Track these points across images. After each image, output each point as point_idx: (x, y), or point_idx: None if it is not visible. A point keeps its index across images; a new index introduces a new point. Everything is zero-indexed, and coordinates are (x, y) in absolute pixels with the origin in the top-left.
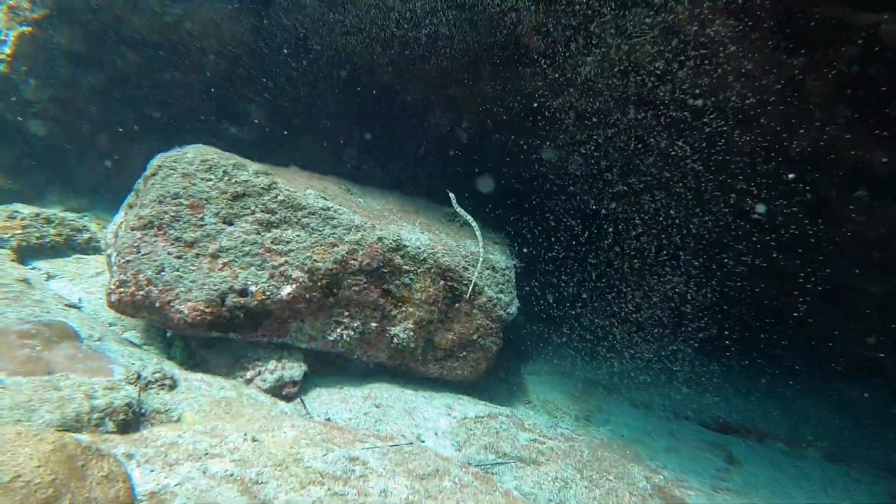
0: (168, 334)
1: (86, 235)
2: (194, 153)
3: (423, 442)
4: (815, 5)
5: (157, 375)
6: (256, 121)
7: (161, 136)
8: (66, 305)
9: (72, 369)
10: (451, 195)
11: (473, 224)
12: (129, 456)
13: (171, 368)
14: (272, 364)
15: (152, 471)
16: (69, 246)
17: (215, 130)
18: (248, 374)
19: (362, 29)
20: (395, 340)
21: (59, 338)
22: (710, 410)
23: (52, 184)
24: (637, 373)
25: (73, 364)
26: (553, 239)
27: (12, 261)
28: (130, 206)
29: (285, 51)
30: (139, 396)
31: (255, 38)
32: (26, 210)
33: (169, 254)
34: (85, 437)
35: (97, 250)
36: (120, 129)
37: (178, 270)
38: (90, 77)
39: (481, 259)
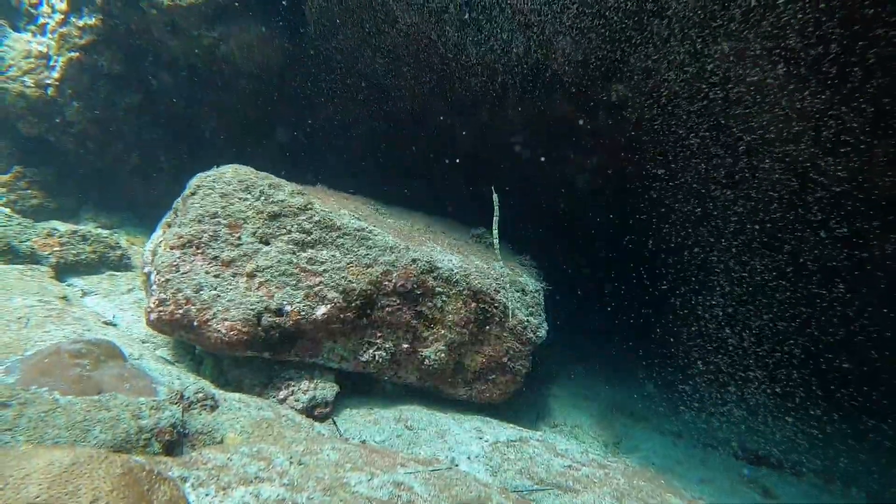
0: (197, 350)
1: (118, 252)
2: (232, 173)
3: (458, 466)
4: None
5: (199, 395)
6: (284, 139)
7: (190, 154)
8: (104, 323)
9: (120, 388)
10: (496, 197)
11: (496, 217)
12: (184, 479)
13: (210, 388)
14: (305, 384)
15: (207, 495)
16: (102, 262)
17: (244, 149)
18: (282, 394)
19: (394, 55)
20: (427, 362)
21: (106, 357)
22: (744, 441)
23: (87, 201)
24: (671, 401)
25: (121, 383)
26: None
27: (51, 277)
28: (169, 225)
29: (314, 72)
30: (183, 417)
31: (286, 61)
32: (63, 227)
33: (207, 273)
34: (142, 459)
35: (128, 267)
36: (150, 148)
37: (215, 289)
38: (126, 98)
39: (497, 245)
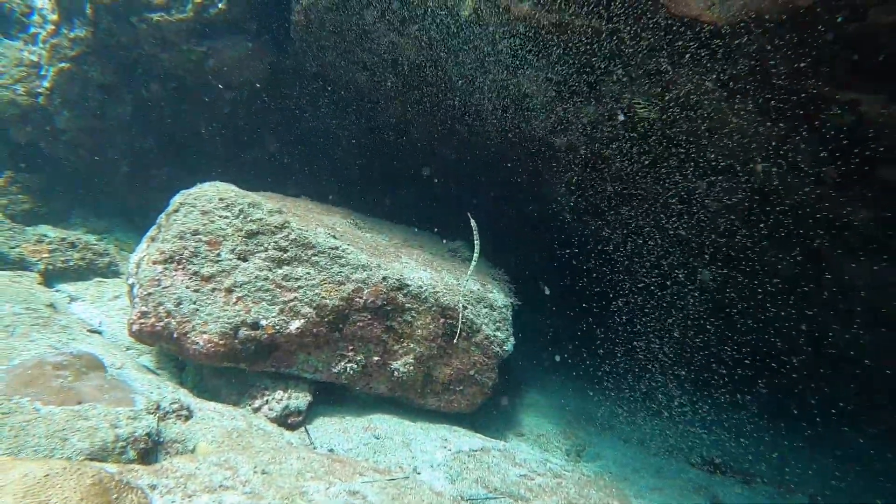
0: (180, 357)
1: (106, 259)
2: (213, 191)
3: (420, 474)
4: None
5: (174, 406)
6: (271, 150)
7: (180, 162)
8: (90, 331)
9: (99, 399)
10: (473, 221)
11: (476, 242)
12: (153, 487)
13: (187, 398)
14: (279, 394)
15: (173, 502)
16: (90, 269)
17: (232, 158)
18: (256, 403)
19: (375, 70)
20: (396, 374)
21: (87, 368)
22: (700, 449)
23: (77, 207)
24: (630, 408)
25: (101, 394)
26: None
27: (39, 283)
28: (152, 240)
29: (300, 86)
30: (158, 426)
31: (272, 75)
32: (53, 234)
33: (187, 287)
34: (113, 468)
35: (116, 274)
36: (141, 157)
37: (195, 304)
38: (117, 108)
39: (473, 264)
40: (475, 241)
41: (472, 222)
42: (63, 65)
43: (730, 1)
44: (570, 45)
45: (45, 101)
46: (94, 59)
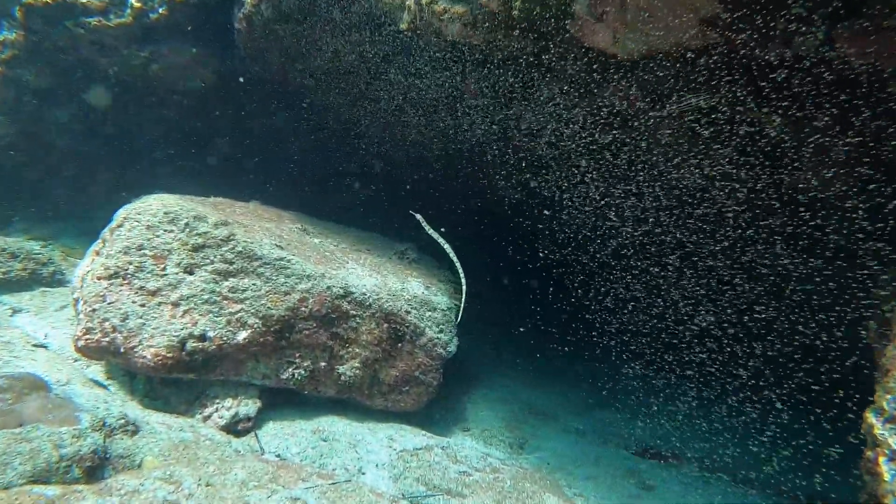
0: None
1: (50, 268)
2: (158, 205)
3: (364, 475)
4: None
5: (120, 422)
6: (222, 153)
7: (127, 166)
8: (34, 346)
9: (42, 420)
10: (419, 217)
11: (447, 247)
12: None
13: (134, 411)
14: (229, 401)
15: None
16: (34, 279)
17: (182, 161)
18: (207, 411)
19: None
20: (343, 378)
21: (29, 389)
22: (636, 435)
23: (19, 213)
24: (571, 396)
25: (43, 414)
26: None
27: None
28: (97, 254)
29: (247, 90)
30: (104, 442)
31: (219, 80)
32: None
33: (133, 302)
34: (55, 490)
35: (62, 283)
36: (86, 160)
37: (141, 318)
38: (57, 112)
39: (464, 287)
40: (461, 278)
41: (419, 217)
42: None
43: (630, 40)
44: (500, 60)
45: None
46: (28, 62)
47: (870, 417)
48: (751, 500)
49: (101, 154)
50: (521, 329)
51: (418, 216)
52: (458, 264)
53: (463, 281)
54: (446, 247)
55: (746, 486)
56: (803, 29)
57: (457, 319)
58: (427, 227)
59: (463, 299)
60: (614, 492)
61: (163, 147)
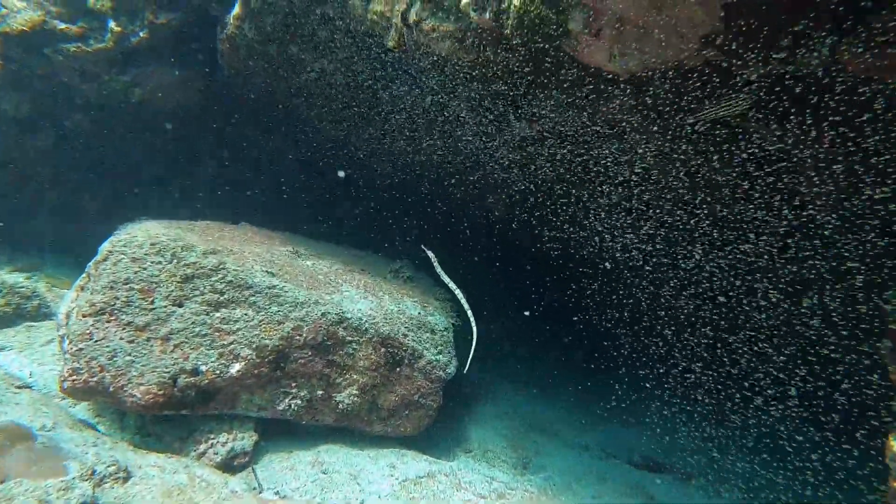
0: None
1: (35, 302)
2: (144, 237)
3: None
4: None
5: (111, 469)
6: (210, 175)
7: (114, 191)
8: (18, 387)
9: (26, 473)
10: (431, 255)
11: (458, 293)
12: None
13: (125, 454)
14: (224, 437)
15: None
16: (18, 314)
17: (169, 184)
18: (201, 447)
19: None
20: (341, 406)
21: (12, 441)
22: (640, 449)
23: (2, 243)
24: (572, 409)
25: (28, 467)
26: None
27: None
28: (82, 289)
29: (233, 111)
30: (94, 493)
31: (204, 102)
32: None
33: (121, 339)
34: None
35: (47, 316)
36: (70, 187)
37: (130, 355)
38: (38, 139)
39: (475, 333)
40: (448, 283)
41: (431, 255)
42: None
43: (627, 57)
44: (492, 77)
45: None
46: (6, 91)
47: (894, 445)
48: None
49: (86, 181)
50: (518, 342)
51: (430, 253)
52: (469, 311)
53: (474, 327)
54: (458, 292)
55: (754, 497)
56: (808, 43)
57: (465, 368)
58: (438, 268)
59: (473, 345)
60: None
61: (150, 171)
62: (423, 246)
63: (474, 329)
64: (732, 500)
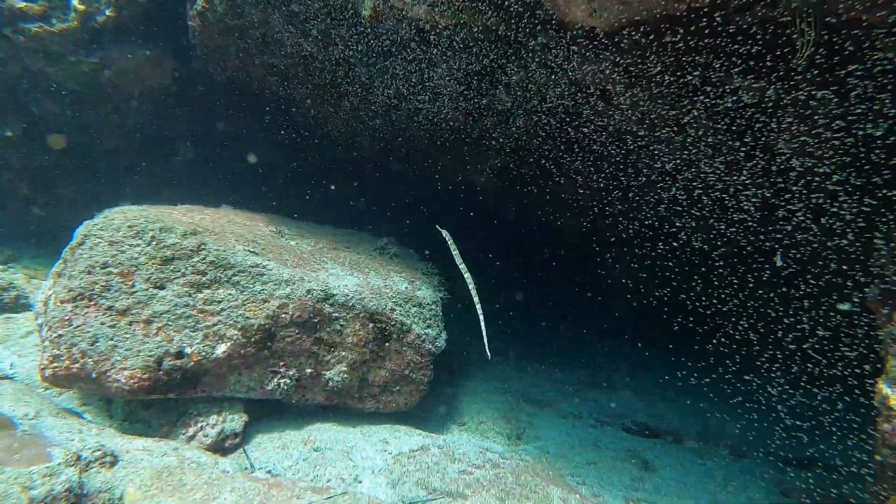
0: None
1: (12, 293)
2: (121, 220)
3: (361, 482)
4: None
5: (97, 454)
6: (187, 157)
7: (89, 177)
8: None
9: (7, 462)
10: (447, 235)
11: (467, 276)
12: None
13: (112, 439)
14: (213, 418)
15: None
16: None
17: (146, 168)
18: (190, 431)
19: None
20: (331, 383)
21: None
22: (633, 415)
23: None
24: (563, 379)
25: (10, 455)
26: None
27: None
28: (59, 275)
29: (208, 90)
30: (80, 478)
31: (177, 81)
32: None
33: (102, 324)
34: None
35: (26, 307)
36: (42, 175)
37: (112, 340)
38: (5, 127)
39: (483, 323)
40: (477, 307)
41: (446, 235)
42: None
43: (608, 10)
44: (469, 42)
45: None
46: None
47: (884, 388)
48: (752, 471)
49: (59, 168)
50: (510, 314)
51: (444, 232)
52: (476, 297)
53: (480, 310)
54: (467, 275)
55: (747, 458)
56: None
57: (488, 352)
58: (453, 249)
59: (483, 330)
60: (616, 475)
61: (125, 156)
62: (437, 227)
63: (481, 316)
64: (725, 458)
